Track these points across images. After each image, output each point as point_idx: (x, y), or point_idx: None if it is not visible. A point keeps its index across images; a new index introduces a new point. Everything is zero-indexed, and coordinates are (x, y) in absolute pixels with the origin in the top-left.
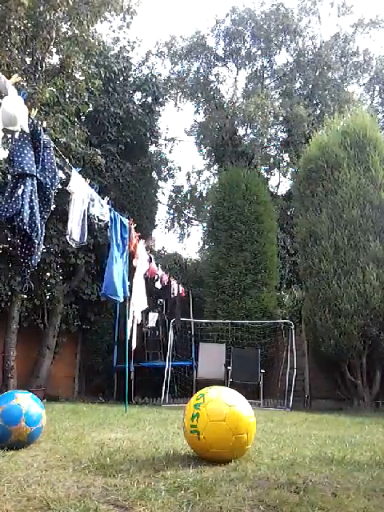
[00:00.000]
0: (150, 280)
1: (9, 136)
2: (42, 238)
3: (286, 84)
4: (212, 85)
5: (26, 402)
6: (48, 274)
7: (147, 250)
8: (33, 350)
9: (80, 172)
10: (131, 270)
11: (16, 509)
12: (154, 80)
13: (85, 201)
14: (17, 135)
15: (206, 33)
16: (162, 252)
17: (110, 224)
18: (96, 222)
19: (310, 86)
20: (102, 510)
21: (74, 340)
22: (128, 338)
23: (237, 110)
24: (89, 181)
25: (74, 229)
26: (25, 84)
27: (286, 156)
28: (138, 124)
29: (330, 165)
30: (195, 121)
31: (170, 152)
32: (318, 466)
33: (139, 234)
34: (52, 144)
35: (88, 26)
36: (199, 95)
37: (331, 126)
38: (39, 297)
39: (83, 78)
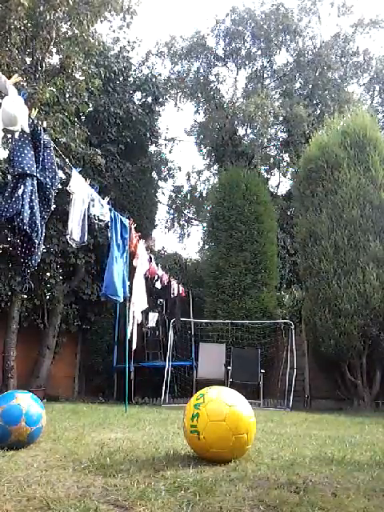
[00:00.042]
0: (150, 280)
1: (9, 136)
2: (42, 238)
3: (286, 84)
4: (212, 85)
5: (26, 401)
6: (48, 274)
7: (147, 250)
8: (33, 349)
9: (80, 172)
10: (131, 270)
11: (16, 509)
12: (153, 80)
13: (85, 201)
14: (17, 135)
15: (206, 33)
16: (162, 252)
17: (110, 224)
18: (96, 222)
19: (310, 85)
20: (101, 509)
21: (74, 340)
22: (128, 337)
23: (237, 110)
24: (89, 181)
25: (75, 229)
26: (25, 84)
27: (286, 156)
28: (137, 124)
29: (330, 165)
30: (195, 121)
31: (170, 152)
32: (318, 466)
33: (139, 233)
34: (52, 144)
35: (88, 26)
36: (199, 95)
37: (331, 126)
38: (39, 297)
39: (83, 77)
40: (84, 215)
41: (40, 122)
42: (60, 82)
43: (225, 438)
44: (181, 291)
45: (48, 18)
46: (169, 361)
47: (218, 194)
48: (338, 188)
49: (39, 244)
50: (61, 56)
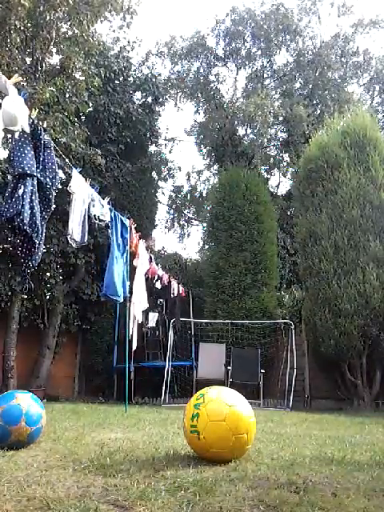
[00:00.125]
0: (150, 280)
1: (9, 136)
2: (43, 238)
3: (286, 84)
4: (212, 85)
5: (26, 401)
6: (48, 274)
7: (147, 250)
8: (33, 349)
9: (80, 172)
10: (132, 270)
11: (16, 509)
12: (153, 80)
13: (85, 201)
14: (17, 135)
15: (206, 33)
16: (162, 252)
17: (110, 224)
18: (97, 222)
19: (310, 85)
20: (102, 509)
21: (74, 340)
22: (129, 337)
23: (237, 110)
24: (89, 181)
25: (75, 229)
26: (25, 84)
27: (286, 156)
28: (138, 124)
29: (330, 165)
30: (195, 121)
31: (170, 152)
32: (318, 466)
33: (139, 233)
34: (52, 144)
35: (88, 26)
36: (199, 95)
37: (331, 126)
38: (39, 297)
39: (83, 78)
40: (84, 215)
41: (40, 122)
42: (60, 82)
43: (225, 438)
44: (181, 291)
45: (48, 18)
46: (169, 361)
47: (218, 194)
48: (338, 188)
49: (39, 244)
50: (61, 56)
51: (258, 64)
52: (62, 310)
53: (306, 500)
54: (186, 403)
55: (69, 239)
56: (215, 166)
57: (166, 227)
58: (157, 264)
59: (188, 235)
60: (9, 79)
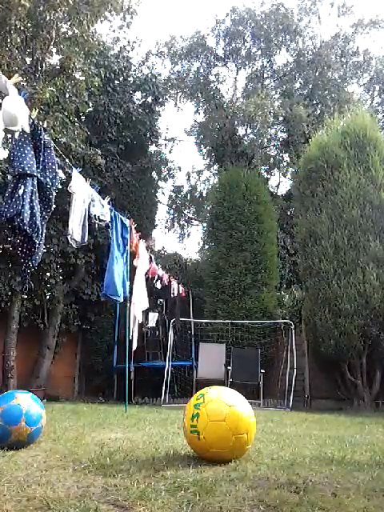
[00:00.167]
0: (150, 280)
1: (9, 136)
2: (43, 238)
3: (286, 84)
4: (212, 85)
5: (26, 401)
6: (48, 274)
7: (147, 250)
8: (33, 349)
9: (80, 172)
10: (132, 270)
11: (16, 509)
12: (154, 80)
13: (86, 201)
14: (17, 135)
15: (206, 33)
16: (162, 252)
17: (110, 224)
18: (97, 222)
19: (310, 85)
20: (102, 509)
21: (74, 340)
22: (130, 337)
23: (237, 110)
24: (89, 181)
25: (75, 229)
26: (25, 84)
27: (286, 156)
28: (138, 124)
29: (330, 165)
30: (195, 121)
31: (170, 152)
32: (318, 466)
33: (140, 233)
34: (52, 144)
35: (88, 26)
36: (199, 95)
37: (331, 126)
38: (39, 297)
39: (83, 78)
40: (84, 215)
41: (40, 122)
42: (60, 82)
43: (225, 438)
44: (181, 291)
45: (48, 18)
46: (169, 361)
47: (218, 194)
48: (338, 188)
49: (40, 244)
50: (61, 56)
51: (258, 64)
52: (62, 310)
53: (306, 500)
54: (186, 403)
55: (69, 239)
56: (215, 166)
57: (165, 227)
58: (157, 264)
59: (188, 235)
60: (9, 79)
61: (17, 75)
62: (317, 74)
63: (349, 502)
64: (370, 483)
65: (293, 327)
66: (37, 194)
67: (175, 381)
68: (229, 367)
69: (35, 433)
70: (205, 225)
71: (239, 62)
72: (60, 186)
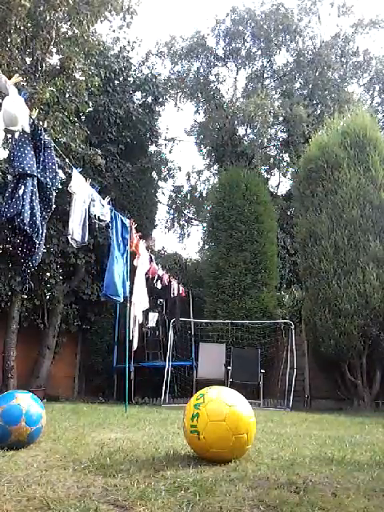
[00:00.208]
0: (150, 280)
1: (9, 136)
2: (43, 238)
3: (286, 84)
4: (212, 85)
5: (26, 401)
6: (48, 274)
7: (147, 250)
8: (33, 350)
9: (80, 172)
10: (132, 270)
11: (16, 509)
12: (154, 80)
13: (86, 201)
14: (17, 135)
15: (206, 33)
16: (162, 252)
17: (110, 224)
18: (97, 222)
19: (310, 85)
20: (102, 509)
21: (74, 340)
22: (130, 337)
23: (237, 110)
24: (89, 181)
25: (75, 229)
26: (25, 84)
27: (286, 156)
28: (138, 124)
29: (330, 165)
30: (195, 121)
31: (170, 152)
32: (318, 466)
33: (140, 233)
34: (52, 144)
35: (88, 26)
36: (199, 95)
37: (331, 126)
38: (39, 297)
39: (83, 78)
40: (85, 215)
41: (40, 122)
42: (60, 83)
43: (225, 438)
44: (181, 291)
45: (48, 18)
46: (169, 361)
47: (218, 194)
48: (338, 188)
49: (40, 244)
50: (61, 56)
51: (258, 64)
52: (62, 310)
53: (306, 500)
54: (186, 403)
55: (69, 239)
56: (215, 166)
57: (165, 227)
58: (157, 264)
59: (188, 235)
60: (9, 79)
61: (17, 75)
62: (317, 73)
63: (349, 502)
64: (370, 483)
65: (293, 327)
66: (37, 194)
67: (175, 381)
68: (229, 367)
69: (35, 433)
70: (205, 225)
71: (239, 62)
72: (60, 186)
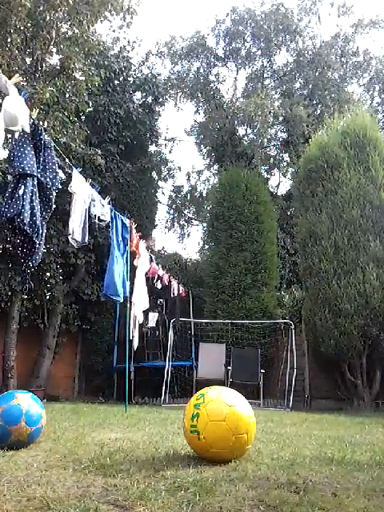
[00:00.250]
0: (150, 280)
1: (9, 136)
2: (43, 238)
3: (285, 84)
4: (212, 85)
5: (26, 401)
6: (48, 274)
7: (147, 250)
8: (33, 350)
9: (80, 172)
10: (132, 270)
11: (16, 509)
12: (154, 80)
13: (86, 201)
14: (17, 135)
15: (206, 33)
16: (162, 252)
17: (110, 224)
18: (97, 222)
19: (310, 85)
20: (102, 509)
21: (74, 340)
22: (130, 337)
23: (237, 110)
24: (89, 181)
25: (76, 229)
26: (25, 84)
27: (286, 156)
28: (138, 124)
29: (330, 165)
30: (195, 121)
31: (170, 152)
32: (318, 466)
33: (140, 233)
34: (52, 144)
35: (88, 26)
36: (199, 95)
37: (331, 126)
38: (39, 297)
39: (83, 78)
40: (85, 215)
41: (40, 122)
42: (60, 83)
43: (225, 438)
44: (181, 291)
45: (48, 18)
46: (169, 361)
47: (218, 194)
48: (338, 188)
49: (40, 244)
50: (61, 56)
51: (258, 64)
52: (62, 310)
53: (306, 500)
54: (186, 403)
55: (70, 239)
56: (215, 166)
57: (166, 227)
58: (157, 264)
59: (188, 235)
60: (9, 79)
61: (17, 75)
62: (317, 73)
63: (349, 502)
64: (370, 483)
65: (293, 327)
66: (37, 194)
67: (175, 381)
68: (229, 367)
69: (35, 433)
70: (205, 225)
71: (239, 62)
72: (60, 186)
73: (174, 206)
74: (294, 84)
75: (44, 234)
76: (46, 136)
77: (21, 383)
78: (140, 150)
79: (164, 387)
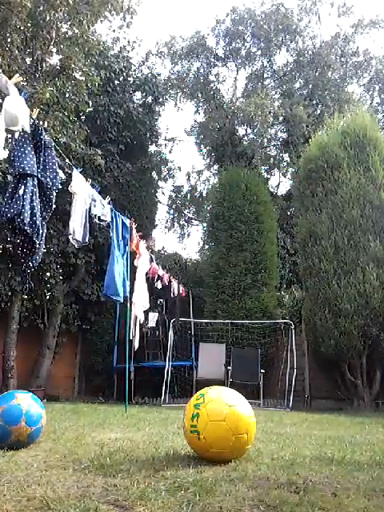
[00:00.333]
0: (150, 280)
1: (9, 136)
2: (43, 238)
3: (285, 84)
4: (212, 85)
5: (26, 401)
6: (48, 274)
7: (148, 250)
8: (33, 350)
9: (80, 172)
10: (132, 270)
11: (16, 509)
12: (154, 80)
13: (87, 201)
14: (17, 135)
15: (206, 33)
16: (162, 252)
17: (110, 224)
18: (97, 222)
19: (310, 85)
20: (102, 509)
21: (74, 340)
22: (131, 337)
23: (237, 110)
24: (89, 181)
25: (77, 229)
26: (25, 84)
27: (286, 156)
28: (138, 124)
29: (330, 165)
30: (195, 121)
31: (170, 152)
32: (318, 466)
33: (140, 233)
34: (52, 144)
35: (88, 26)
36: (199, 95)
37: (331, 126)
38: (39, 297)
39: (83, 78)
40: (86, 215)
41: (40, 122)
42: (60, 83)
43: (225, 438)
44: (181, 291)
45: (48, 18)
46: (169, 361)
47: (218, 194)
48: (338, 188)
49: (40, 244)
50: (61, 56)
51: (258, 64)
52: (62, 310)
53: (306, 500)
54: (186, 403)
55: (70, 239)
56: (215, 166)
57: (166, 227)
58: (157, 264)
59: (188, 235)
60: (9, 79)
61: (17, 75)
62: (317, 74)
63: (349, 502)
64: (370, 483)
65: (293, 327)
66: (37, 194)
67: (175, 381)
68: (229, 367)
69: (35, 433)
70: (205, 225)
71: (239, 62)
72: (60, 186)
73: (174, 206)
74: (293, 84)
75: (44, 234)
76: (46, 136)
77: (21, 383)
78: (140, 150)
79: (164, 387)
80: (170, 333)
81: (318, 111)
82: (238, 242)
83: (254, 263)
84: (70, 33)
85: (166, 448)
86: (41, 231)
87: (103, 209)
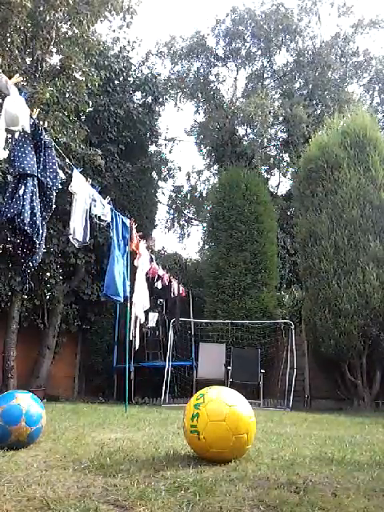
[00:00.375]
0: (150, 280)
1: (9, 136)
2: (43, 238)
3: (285, 84)
4: (212, 85)
5: (26, 401)
6: (48, 274)
7: (148, 250)
8: (33, 350)
9: (80, 172)
10: (132, 270)
11: (16, 509)
12: (154, 80)
13: (87, 201)
14: (17, 135)
15: (206, 33)
16: (162, 252)
17: (111, 224)
18: (97, 222)
19: (310, 86)
20: (102, 509)
21: (74, 340)
22: (131, 337)
23: (237, 109)
24: (89, 181)
25: (77, 229)
26: (25, 84)
27: (286, 156)
28: (138, 124)
29: (330, 165)
30: (195, 121)
31: (170, 152)
32: (318, 466)
33: (140, 233)
34: (52, 144)
35: (88, 26)
36: (199, 95)
37: (331, 126)
38: (39, 297)
39: (83, 78)
40: (86, 215)
41: (40, 122)
42: (60, 83)
43: (225, 438)
44: (181, 291)
45: (48, 18)
46: (169, 361)
47: (218, 194)
48: (338, 188)
49: (40, 244)
50: (61, 56)
51: (258, 64)
52: (62, 310)
53: (306, 500)
54: (186, 403)
55: (71, 239)
56: (215, 166)
57: (166, 227)
58: (157, 264)
59: (188, 235)
60: (9, 79)
61: (17, 75)
62: (317, 74)
63: (349, 502)
64: (370, 483)
65: (293, 327)
66: (37, 194)
67: (175, 381)
68: (229, 367)
69: (35, 433)
70: (205, 225)
71: (239, 62)
72: (60, 186)
73: (174, 206)
74: (293, 84)
75: (44, 234)
76: (46, 136)
77: (21, 383)
78: (140, 149)
79: (164, 387)
80: (170, 333)
81: (318, 111)
82: (238, 242)
83: (254, 263)
84: (70, 33)
85: (165, 448)
86: (41, 231)
87: (103, 209)
